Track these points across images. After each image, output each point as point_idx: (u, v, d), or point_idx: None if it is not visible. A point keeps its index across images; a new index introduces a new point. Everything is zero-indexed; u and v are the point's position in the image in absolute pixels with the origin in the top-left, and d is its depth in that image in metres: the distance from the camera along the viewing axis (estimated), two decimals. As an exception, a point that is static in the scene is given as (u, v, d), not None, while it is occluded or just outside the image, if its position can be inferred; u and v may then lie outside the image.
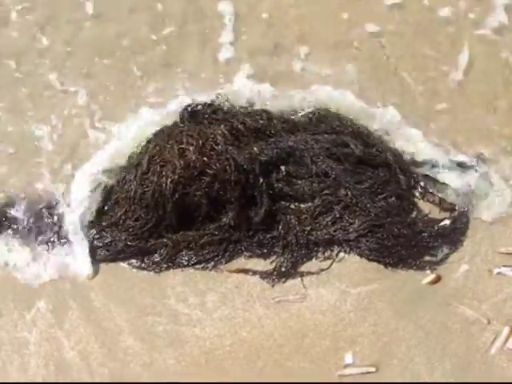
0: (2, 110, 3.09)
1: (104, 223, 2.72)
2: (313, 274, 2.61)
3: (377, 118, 2.91)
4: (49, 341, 2.51)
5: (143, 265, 2.65)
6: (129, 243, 2.66)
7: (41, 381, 2.44)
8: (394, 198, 2.76)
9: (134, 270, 2.65)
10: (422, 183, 2.80)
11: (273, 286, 2.58)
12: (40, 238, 2.69)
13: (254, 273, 2.62)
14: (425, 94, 3.08)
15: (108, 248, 2.67)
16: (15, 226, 2.72)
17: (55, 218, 2.72)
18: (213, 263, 2.64)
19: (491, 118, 3.00)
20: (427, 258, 2.65)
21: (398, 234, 2.68)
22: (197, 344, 2.48)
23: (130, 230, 2.68)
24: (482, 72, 3.12)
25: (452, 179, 2.77)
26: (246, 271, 2.62)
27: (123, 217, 2.70)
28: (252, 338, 2.49)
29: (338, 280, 2.60)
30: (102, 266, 2.66)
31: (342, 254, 2.66)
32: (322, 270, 2.62)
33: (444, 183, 2.77)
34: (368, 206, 2.71)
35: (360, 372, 2.42)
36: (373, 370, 2.42)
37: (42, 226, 2.71)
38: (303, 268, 2.63)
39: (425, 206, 2.77)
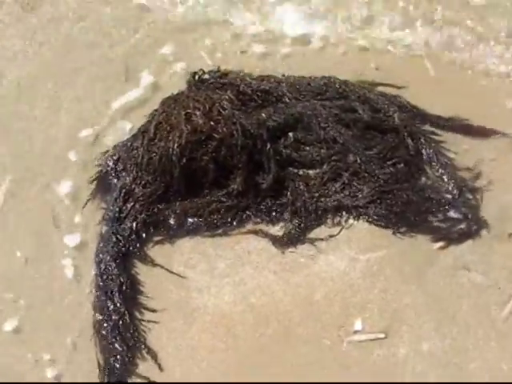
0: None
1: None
2: (322, 240, 2.53)
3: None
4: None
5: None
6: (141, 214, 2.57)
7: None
8: (402, 164, 2.67)
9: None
10: (430, 148, 2.71)
11: (282, 252, 2.51)
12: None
13: (265, 235, 2.54)
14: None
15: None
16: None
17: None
18: (221, 230, 2.56)
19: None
20: (437, 223, 2.57)
21: (406, 200, 2.60)
22: (206, 311, 2.42)
23: (140, 198, 2.59)
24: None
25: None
26: (256, 232, 2.55)
27: (132, 185, 2.61)
28: (261, 304, 2.42)
29: (347, 246, 2.53)
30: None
31: (350, 221, 2.58)
32: (331, 236, 2.54)
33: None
34: (377, 172, 2.63)
35: (369, 338, 2.36)
36: (382, 336, 2.36)
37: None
38: (312, 234, 2.55)
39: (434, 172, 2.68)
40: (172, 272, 2.49)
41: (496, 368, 2.29)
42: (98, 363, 2.32)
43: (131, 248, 2.53)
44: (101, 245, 2.52)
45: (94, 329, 2.38)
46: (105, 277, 2.45)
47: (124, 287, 2.43)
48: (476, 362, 2.31)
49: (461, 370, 2.29)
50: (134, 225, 2.55)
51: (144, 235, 2.56)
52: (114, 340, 2.35)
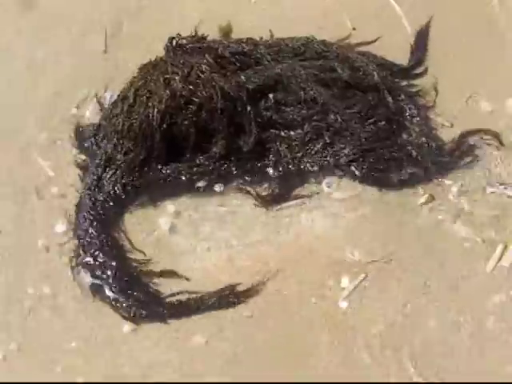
0: None
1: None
2: (305, 198, 2.45)
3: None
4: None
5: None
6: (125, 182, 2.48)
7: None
8: (383, 122, 2.58)
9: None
10: (410, 105, 2.62)
11: (266, 211, 2.43)
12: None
13: (249, 194, 2.46)
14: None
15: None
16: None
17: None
18: (205, 192, 2.47)
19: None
20: (419, 179, 2.48)
21: (389, 157, 2.52)
22: (193, 275, 2.33)
23: (122, 165, 2.49)
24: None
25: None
26: (240, 190, 2.47)
27: (113, 152, 2.51)
28: (248, 265, 2.34)
29: (331, 205, 2.44)
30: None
31: (334, 179, 2.49)
32: (316, 193, 2.46)
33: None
34: (358, 130, 2.54)
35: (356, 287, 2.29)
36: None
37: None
38: (296, 193, 2.46)
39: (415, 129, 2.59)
40: (138, 250, 2.40)
41: (484, 320, 2.23)
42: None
43: (112, 215, 2.45)
44: (81, 211, 2.44)
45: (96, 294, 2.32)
46: (86, 244, 2.38)
47: (107, 248, 2.38)
48: (464, 315, 2.24)
49: (449, 323, 2.23)
50: (115, 190, 2.46)
51: (125, 201, 2.47)
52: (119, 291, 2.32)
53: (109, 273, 2.33)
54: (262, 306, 2.27)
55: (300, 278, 2.30)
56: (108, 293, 2.31)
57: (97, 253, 2.35)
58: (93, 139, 2.58)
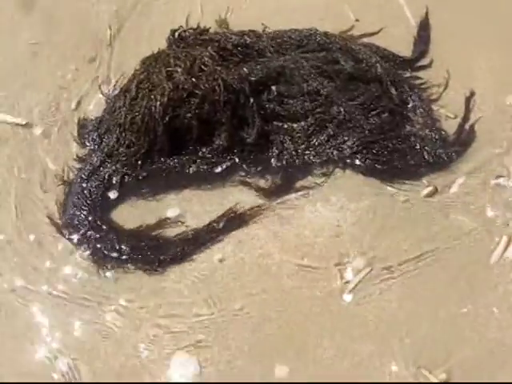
0: None
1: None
2: (309, 190, 2.43)
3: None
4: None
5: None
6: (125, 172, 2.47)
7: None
8: (387, 114, 2.56)
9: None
10: (414, 97, 2.60)
11: (270, 204, 2.40)
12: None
13: (252, 187, 2.44)
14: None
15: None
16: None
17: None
18: (208, 185, 2.46)
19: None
20: (423, 171, 2.46)
21: (392, 148, 2.50)
22: (198, 266, 2.32)
23: (124, 158, 2.47)
24: None
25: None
26: (244, 184, 2.45)
27: (116, 145, 2.49)
28: (251, 257, 2.32)
29: (335, 196, 2.41)
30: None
31: (337, 171, 2.47)
32: (318, 185, 2.43)
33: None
34: (361, 122, 2.52)
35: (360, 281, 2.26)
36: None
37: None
38: (299, 185, 2.44)
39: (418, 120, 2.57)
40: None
41: (487, 311, 2.20)
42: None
43: (105, 204, 2.45)
44: (70, 197, 2.44)
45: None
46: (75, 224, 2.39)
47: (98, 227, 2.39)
48: (468, 306, 2.21)
49: (453, 315, 2.20)
50: (110, 180, 2.45)
51: (126, 194, 2.47)
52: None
53: (111, 238, 2.34)
54: (265, 300, 2.24)
55: (304, 271, 2.28)
56: (119, 257, 2.32)
57: (89, 232, 2.36)
58: (95, 133, 2.56)
